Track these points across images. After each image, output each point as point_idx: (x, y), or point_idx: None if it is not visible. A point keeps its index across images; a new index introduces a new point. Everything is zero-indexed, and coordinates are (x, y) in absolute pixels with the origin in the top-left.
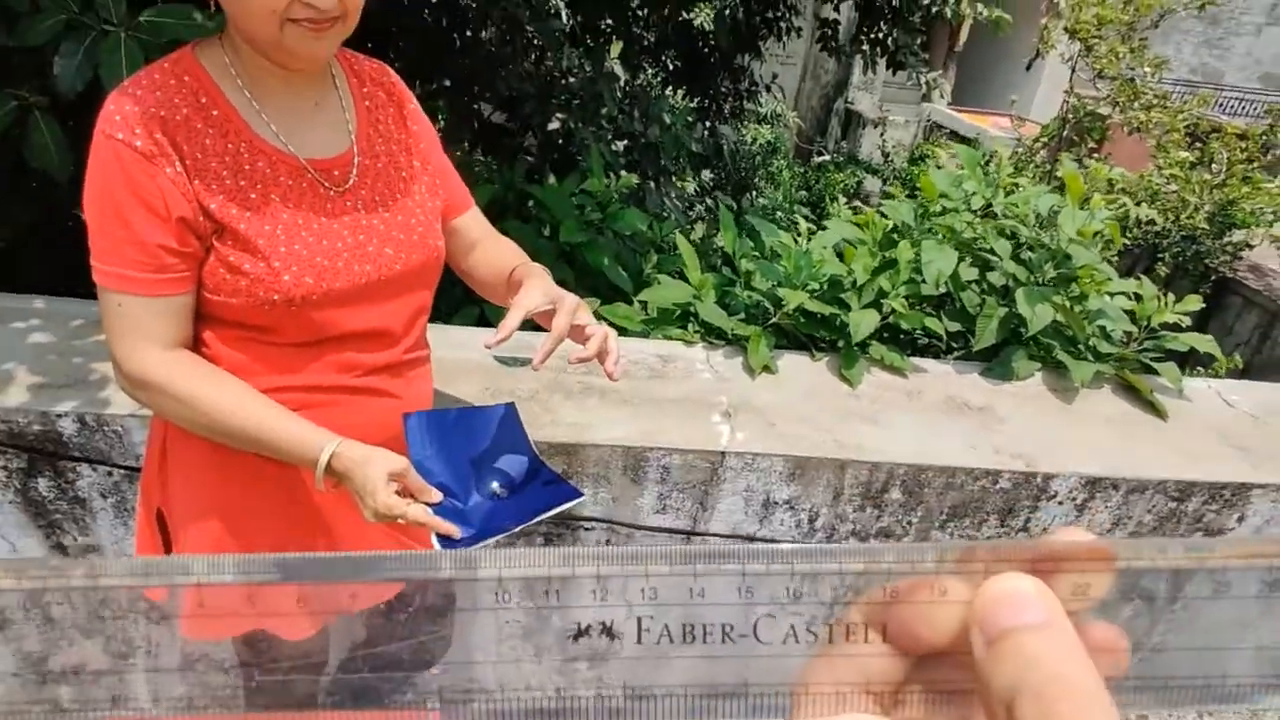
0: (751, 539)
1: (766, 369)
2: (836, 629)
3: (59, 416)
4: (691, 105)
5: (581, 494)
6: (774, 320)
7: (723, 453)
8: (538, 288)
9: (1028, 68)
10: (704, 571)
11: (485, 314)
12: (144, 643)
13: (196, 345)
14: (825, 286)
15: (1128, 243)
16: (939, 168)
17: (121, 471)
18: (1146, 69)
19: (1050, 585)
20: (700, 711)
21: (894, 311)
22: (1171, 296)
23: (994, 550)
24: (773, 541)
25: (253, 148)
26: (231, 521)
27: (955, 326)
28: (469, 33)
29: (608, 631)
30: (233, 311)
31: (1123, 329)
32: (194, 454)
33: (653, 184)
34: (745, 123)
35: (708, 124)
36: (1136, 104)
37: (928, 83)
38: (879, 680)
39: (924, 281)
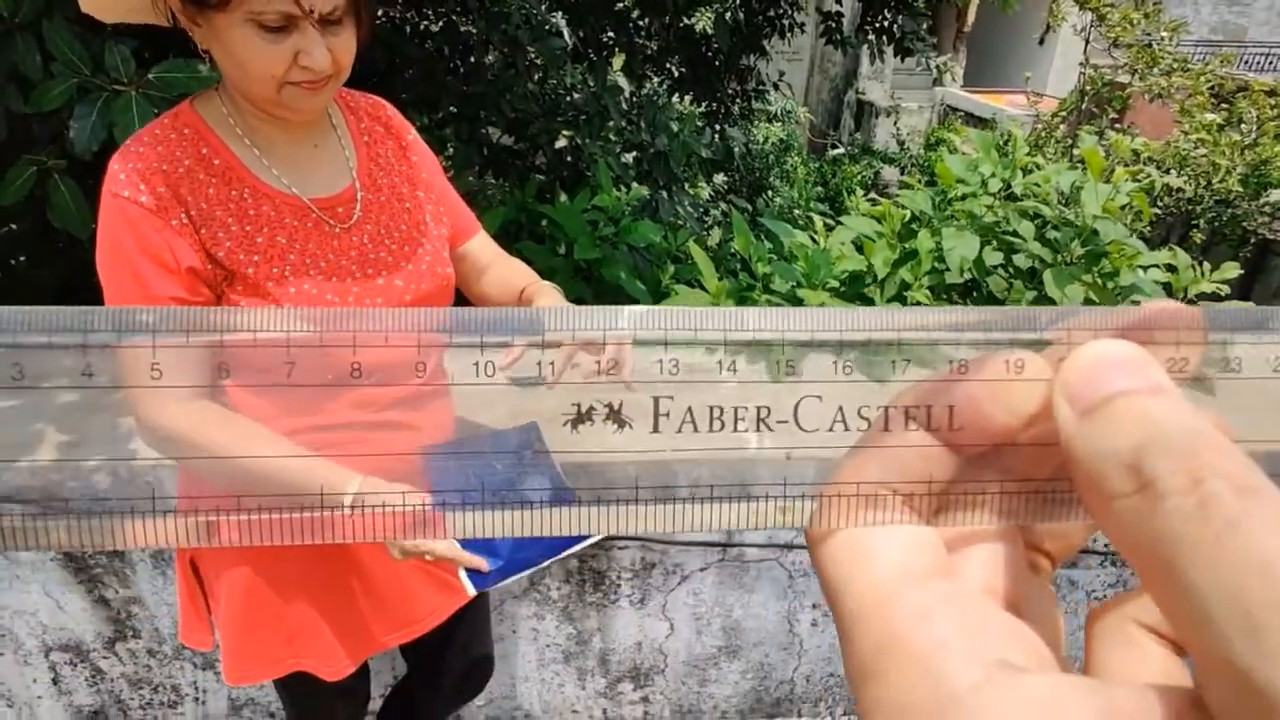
0: (789, 547)
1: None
2: (893, 414)
3: (93, 471)
4: (699, 110)
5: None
6: None
7: (752, 460)
8: (547, 305)
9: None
10: (735, 343)
11: None
12: (191, 690)
13: (216, 394)
14: (846, 283)
15: (1159, 212)
16: (953, 153)
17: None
18: (1163, 33)
19: None
20: (726, 517)
21: (918, 303)
22: (1208, 266)
23: (1079, 317)
24: (803, 547)
25: (256, 193)
26: (262, 567)
27: None
28: (471, 59)
29: (614, 416)
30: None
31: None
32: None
33: (665, 193)
34: (755, 123)
35: (717, 128)
36: (1156, 70)
37: (938, 67)
38: (923, 480)
39: (947, 270)
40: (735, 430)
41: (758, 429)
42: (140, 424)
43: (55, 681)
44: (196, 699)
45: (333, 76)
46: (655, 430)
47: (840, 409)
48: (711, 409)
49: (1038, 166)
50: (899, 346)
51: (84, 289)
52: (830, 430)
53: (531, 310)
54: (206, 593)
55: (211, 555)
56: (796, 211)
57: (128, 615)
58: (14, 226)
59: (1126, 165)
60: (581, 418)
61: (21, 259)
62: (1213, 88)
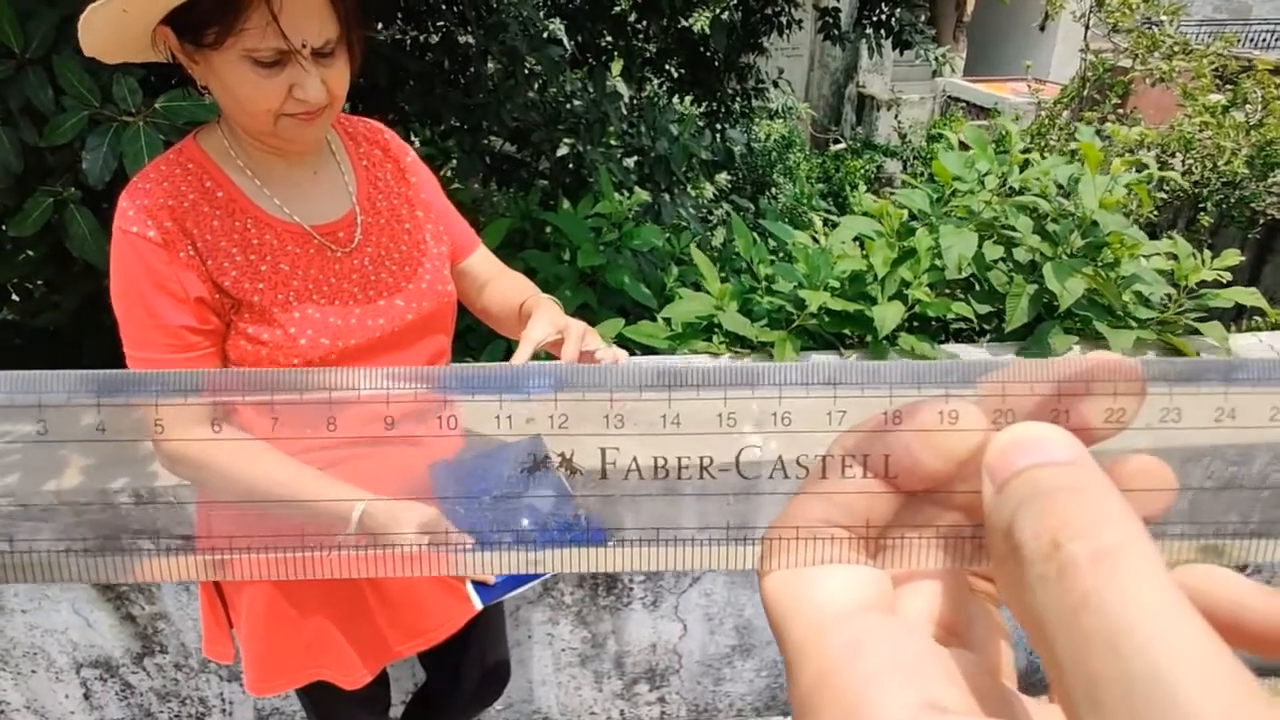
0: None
1: None
2: (830, 461)
3: (116, 493)
4: (699, 111)
5: (608, 540)
6: (798, 323)
7: (757, 462)
8: (544, 318)
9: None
10: (680, 397)
11: (512, 347)
12: (218, 701)
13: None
14: (846, 283)
15: (1165, 197)
16: (950, 149)
17: (178, 541)
18: (1163, 17)
19: (1080, 408)
20: (671, 559)
21: (919, 301)
22: (1209, 253)
23: (1016, 368)
24: None
25: (259, 222)
26: (281, 585)
27: (985, 308)
28: (471, 70)
29: (566, 464)
30: None
31: (1161, 292)
32: None
33: (667, 196)
34: (757, 120)
35: (717, 128)
36: (1156, 54)
37: (937, 59)
38: (864, 521)
39: (946, 267)
40: (679, 478)
41: (700, 476)
42: (155, 448)
43: (86, 697)
44: (224, 710)
45: (327, 107)
46: (603, 477)
47: (780, 459)
48: (655, 459)
49: (1031, 163)
50: (834, 399)
51: (101, 309)
52: (769, 479)
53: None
54: (228, 607)
55: None
56: (801, 208)
57: (154, 631)
58: (31, 253)
59: (1123, 156)
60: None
61: (39, 284)
62: (1216, 69)
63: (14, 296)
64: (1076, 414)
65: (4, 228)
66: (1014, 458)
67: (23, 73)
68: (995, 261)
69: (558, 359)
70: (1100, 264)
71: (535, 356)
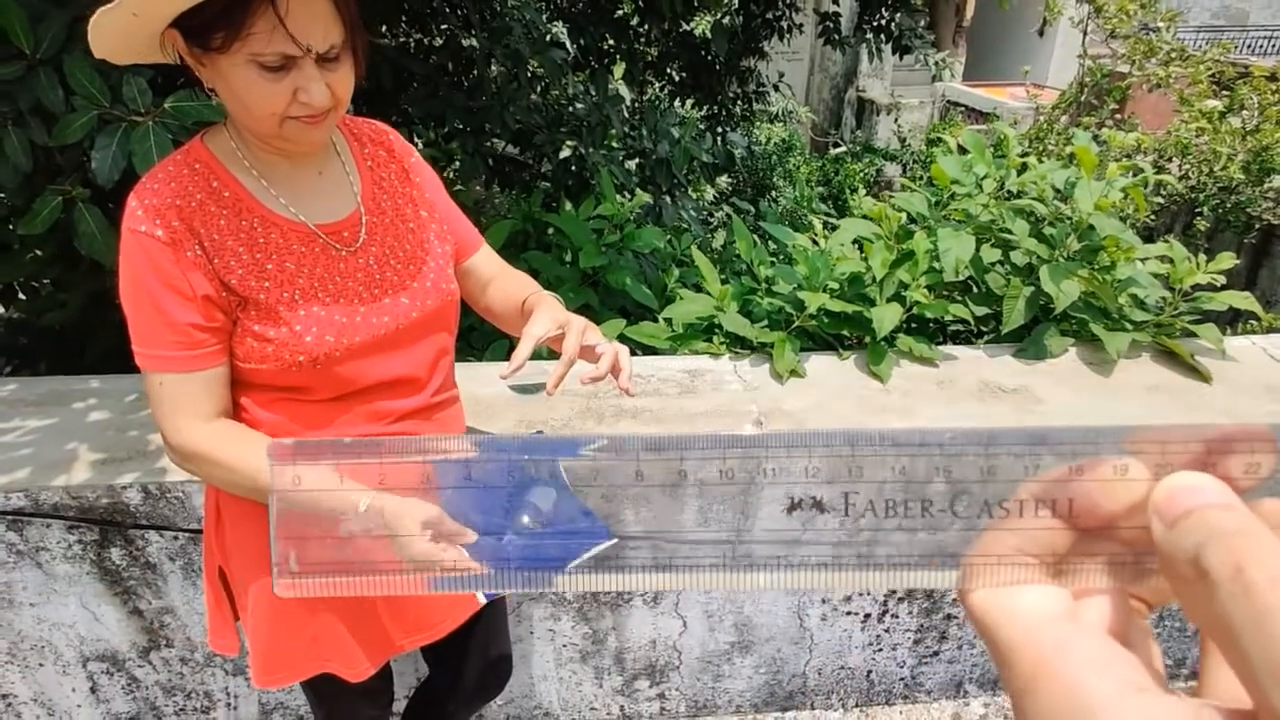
0: (797, 542)
1: (794, 373)
2: (1026, 504)
3: (124, 488)
4: (700, 114)
5: (611, 538)
6: (797, 324)
7: (757, 460)
8: (545, 315)
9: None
10: (908, 453)
11: (514, 346)
12: (223, 695)
13: (235, 411)
14: (845, 285)
15: (1161, 201)
16: (949, 154)
17: (186, 535)
18: (1161, 23)
19: (1224, 463)
20: (899, 581)
21: (917, 302)
22: (1203, 257)
23: (1172, 432)
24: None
25: (265, 222)
26: None
27: (983, 310)
28: (474, 73)
29: (817, 505)
30: (264, 375)
31: (1157, 295)
32: (245, 515)
33: (668, 198)
34: (757, 124)
35: (718, 131)
36: (1153, 60)
37: (937, 63)
38: (1049, 551)
39: (944, 270)
40: (906, 515)
41: (922, 515)
42: (166, 444)
43: (93, 690)
44: (228, 704)
45: (332, 110)
46: (845, 514)
47: (985, 502)
48: (888, 501)
49: (1029, 167)
50: (1031, 455)
51: (106, 308)
52: (977, 517)
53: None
54: (234, 601)
55: (239, 565)
56: (801, 211)
57: (161, 625)
58: (38, 252)
59: (1119, 160)
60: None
61: (46, 283)
62: (1213, 75)
63: (20, 295)
64: (1222, 467)
65: (12, 227)
66: (1181, 500)
67: (33, 73)
68: (993, 264)
69: (559, 354)
70: (1096, 267)
71: (537, 353)
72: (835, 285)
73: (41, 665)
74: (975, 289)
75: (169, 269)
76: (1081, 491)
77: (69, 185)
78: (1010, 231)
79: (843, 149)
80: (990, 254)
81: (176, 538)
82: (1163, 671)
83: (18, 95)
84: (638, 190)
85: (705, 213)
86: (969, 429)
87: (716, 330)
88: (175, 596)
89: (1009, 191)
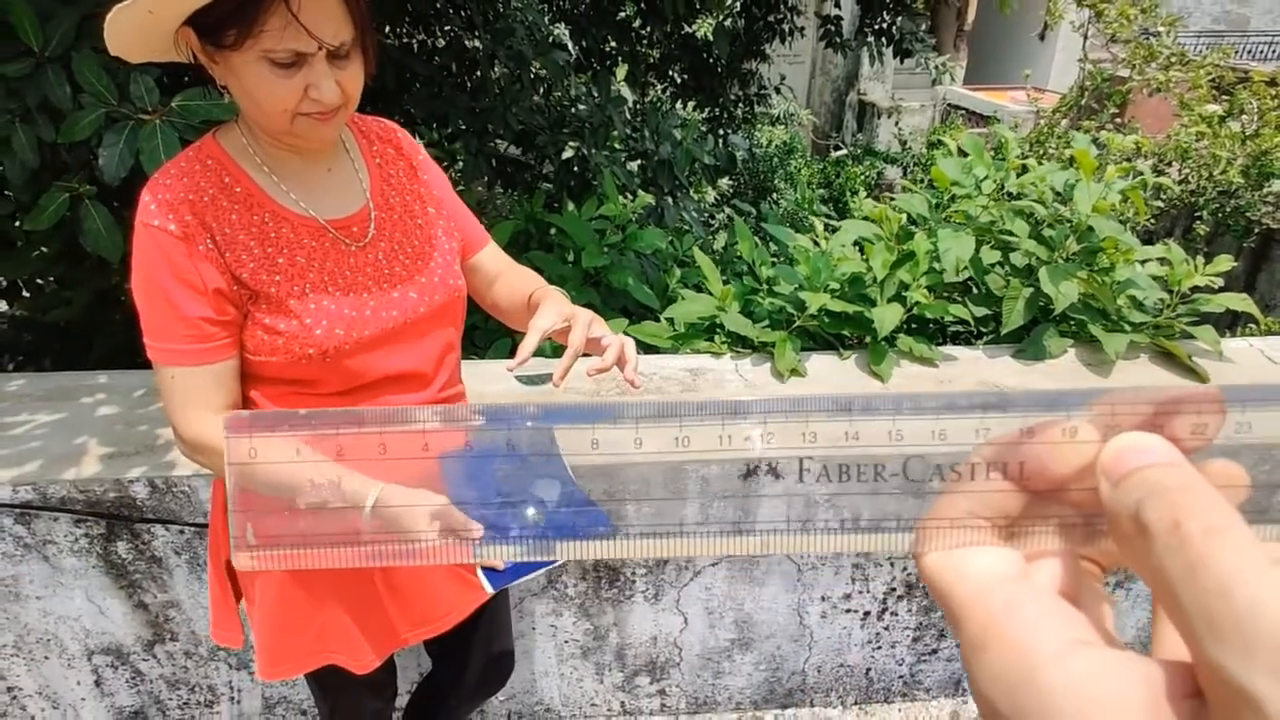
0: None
1: (795, 372)
2: (978, 467)
3: (131, 482)
4: (702, 116)
5: (610, 524)
6: (798, 323)
7: (758, 458)
8: (552, 308)
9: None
10: (860, 418)
11: (517, 343)
12: (226, 689)
13: (245, 404)
14: (846, 285)
15: (1161, 205)
16: (949, 156)
17: (192, 529)
18: (1161, 28)
19: (1171, 424)
20: (853, 544)
21: (917, 303)
22: (1201, 259)
23: (1120, 394)
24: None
25: (276, 217)
26: (293, 572)
27: (982, 311)
28: (478, 74)
29: (773, 470)
30: (274, 369)
31: (1155, 297)
32: None
33: (670, 199)
34: (758, 126)
35: (720, 133)
36: (1153, 65)
37: (938, 67)
38: (1001, 514)
39: (944, 270)
40: (858, 480)
41: (874, 479)
42: (176, 436)
43: (98, 683)
44: (232, 698)
45: (342, 107)
46: (799, 480)
47: (938, 466)
48: (841, 466)
49: (1029, 168)
50: (982, 419)
51: (111, 306)
52: (929, 481)
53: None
54: (241, 593)
55: None
56: (802, 213)
57: (165, 619)
58: (45, 249)
59: (1118, 163)
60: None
61: (51, 280)
62: (1213, 80)
63: (25, 292)
64: (1170, 428)
65: (18, 223)
66: (1127, 460)
67: (41, 70)
68: (992, 265)
69: (564, 347)
70: (1095, 269)
71: (541, 348)
72: (836, 286)
73: (47, 658)
74: (975, 290)
75: (181, 263)
76: (1032, 454)
77: (76, 182)
78: (1010, 233)
79: (844, 152)
80: (990, 255)
81: (183, 532)
82: (1114, 633)
83: (26, 92)
84: (640, 191)
85: (706, 214)
86: (921, 393)
87: (718, 330)
88: (180, 590)
89: (1009, 193)
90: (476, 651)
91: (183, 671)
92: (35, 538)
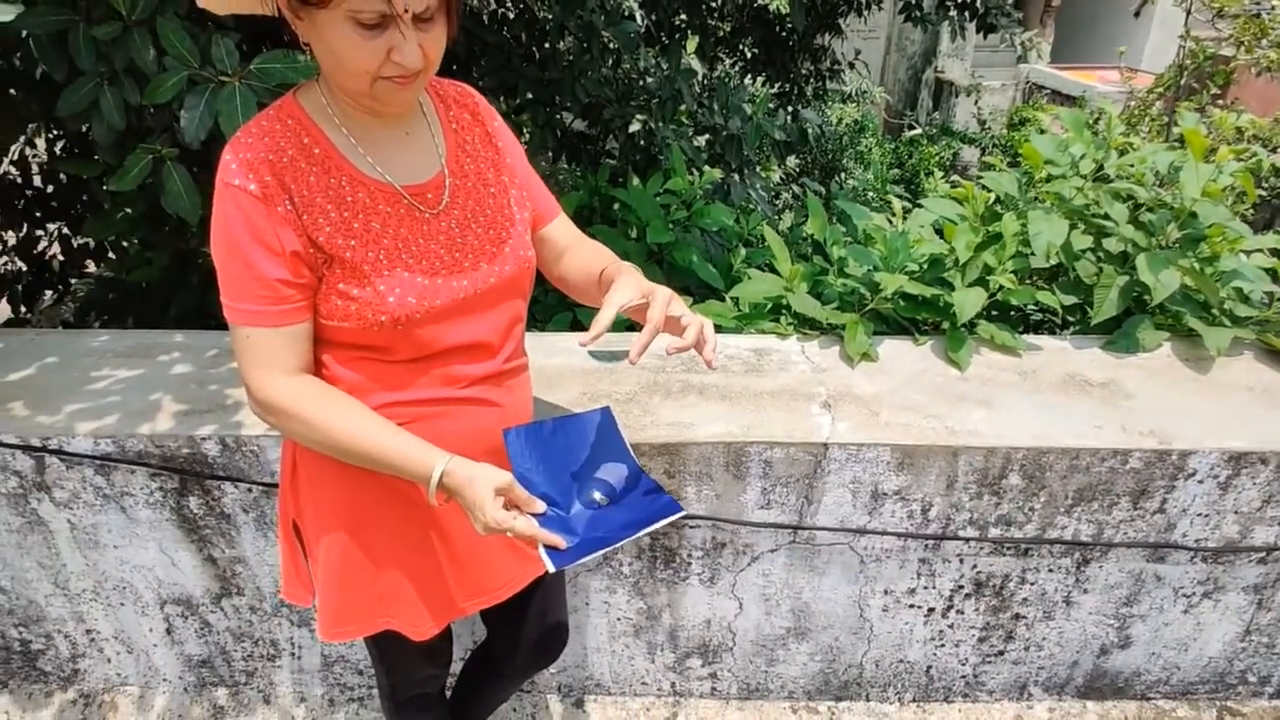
0: (862, 531)
1: (866, 356)
2: None
3: (203, 440)
4: (772, 92)
5: (681, 508)
6: (871, 306)
7: (825, 444)
8: (629, 284)
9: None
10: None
11: (578, 318)
12: (288, 645)
13: (317, 367)
14: (925, 267)
15: (1264, 194)
16: (1041, 132)
17: (260, 488)
18: (1274, 2)
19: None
20: None
21: (1002, 288)
22: None
23: None
24: (884, 533)
25: (353, 180)
26: (357, 531)
27: (1071, 300)
28: (546, 44)
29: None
30: (346, 334)
31: (1262, 289)
32: (321, 470)
33: (737, 176)
34: (830, 103)
35: (790, 109)
36: (1264, 42)
37: (1023, 43)
38: None
39: (1033, 255)
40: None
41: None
42: (249, 396)
43: (169, 632)
44: (293, 654)
45: (423, 71)
46: None
47: None
48: None
49: (1133, 147)
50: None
51: (190, 268)
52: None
53: None
54: (307, 551)
55: (313, 518)
56: (871, 194)
57: (233, 574)
58: (129, 211)
59: (1230, 144)
60: None
61: (134, 241)
62: None
63: (110, 254)
64: None
65: (105, 185)
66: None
67: (128, 34)
68: (1083, 251)
69: (638, 324)
70: (1197, 257)
71: (619, 327)
72: (914, 267)
73: (123, 605)
74: (1064, 277)
75: (260, 223)
76: None
77: (158, 145)
78: (1107, 217)
79: (918, 131)
80: (1081, 240)
81: (250, 490)
82: None
83: (114, 55)
84: (706, 167)
85: (773, 193)
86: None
87: (784, 311)
88: (247, 547)
89: (1105, 175)
90: (532, 622)
91: (247, 625)
92: (114, 489)
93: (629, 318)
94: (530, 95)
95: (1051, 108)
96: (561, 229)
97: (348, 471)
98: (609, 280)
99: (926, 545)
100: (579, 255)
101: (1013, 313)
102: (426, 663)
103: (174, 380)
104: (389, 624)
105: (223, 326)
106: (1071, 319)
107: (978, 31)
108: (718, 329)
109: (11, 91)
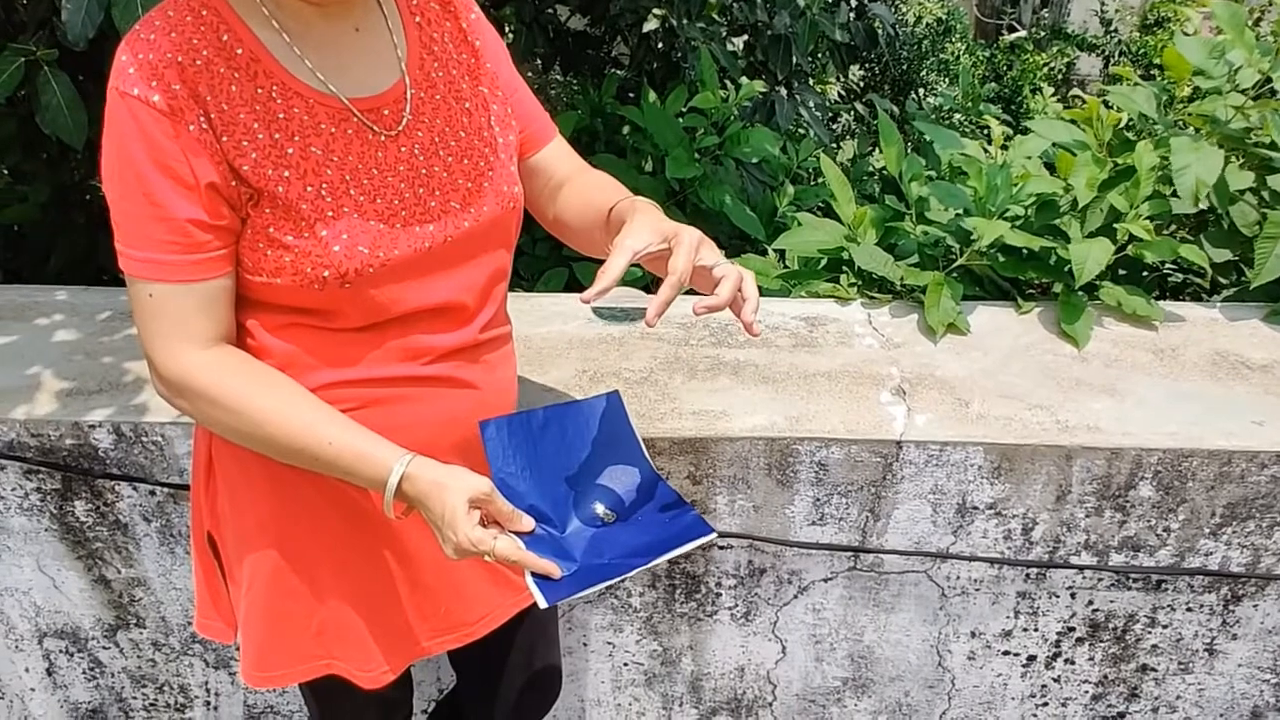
0: (944, 556)
1: (953, 328)
2: None
3: (93, 428)
4: None
5: (711, 529)
6: (960, 262)
7: (898, 442)
8: (646, 224)
9: None
10: None
11: (576, 275)
12: (201, 691)
13: (240, 336)
14: (1033, 211)
15: None
16: (1186, 34)
17: (165, 490)
18: None
19: None
20: None
21: (1133, 239)
22: None
23: None
24: (972, 559)
25: (286, 90)
26: (290, 548)
27: (1224, 255)
28: None
29: None
30: (278, 294)
31: None
32: (244, 470)
33: (784, 91)
34: None
35: (854, 3)
36: None
37: None
38: None
39: (1175, 195)
40: None
41: None
42: (153, 372)
43: (50, 673)
44: (208, 703)
45: None
46: None
47: None
48: None
49: None
50: None
51: (74, 207)
52: None
53: None
54: (226, 574)
55: (234, 531)
56: (960, 116)
57: (131, 600)
58: None
59: None
60: None
61: (4, 173)
62: None
63: None
64: None
65: None
66: None
67: None
68: (1242, 192)
69: (661, 279)
70: None
71: (628, 277)
72: (1017, 211)
73: None
74: (1214, 226)
75: (166, 146)
76: None
77: (32, 45)
78: (1275, 146)
79: (1021, 34)
80: (1240, 178)
81: (154, 493)
82: None
83: None
84: (745, 79)
85: (831, 114)
86: None
87: (845, 268)
88: (150, 566)
89: (1274, 90)
90: (514, 668)
91: (150, 665)
92: None
93: (645, 269)
94: None
95: (1202, 0)
96: (558, 156)
97: (279, 471)
98: (620, 219)
99: (1028, 575)
100: (581, 190)
101: (1147, 272)
102: (378, 717)
103: (55, 350)
104: (330, 667)
105: (118, 282)
106: (1224, 280)
107: None
108: (759, 291)
109: None
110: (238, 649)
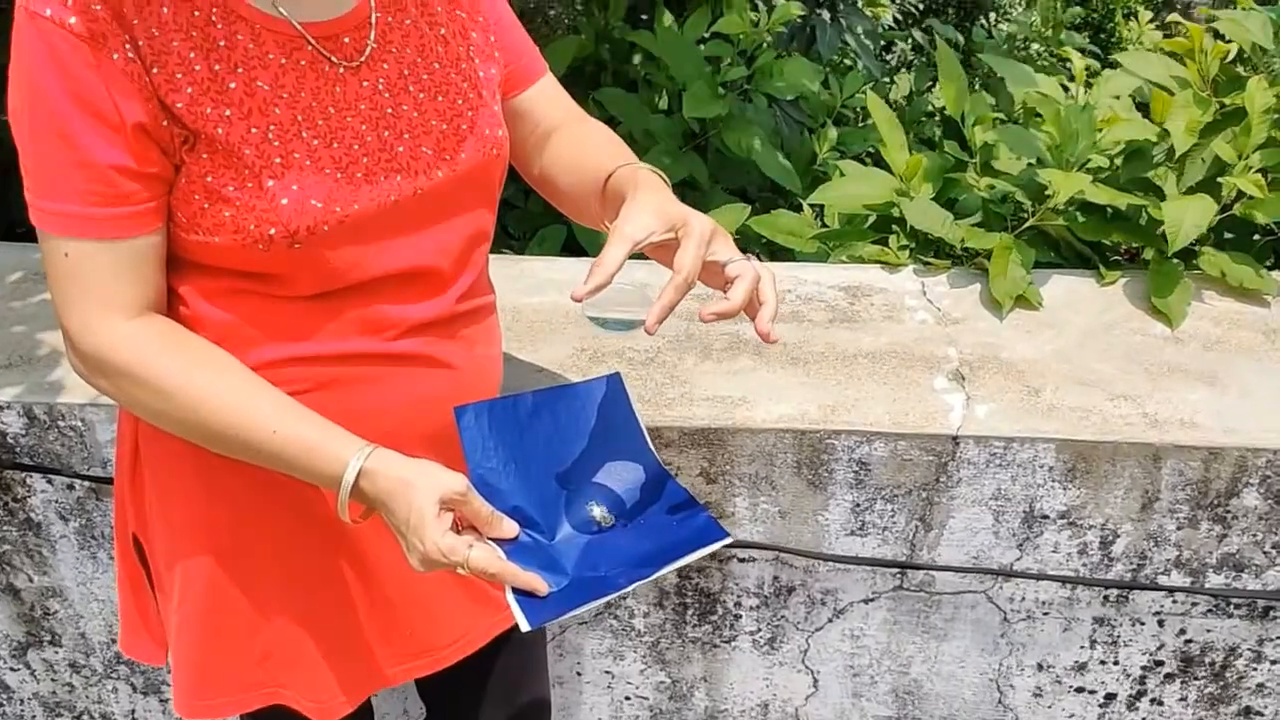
0: (1008, 574)
1: (1022, 301)
2: None
3: (0, 409)
4: None
5: (726, 534)
6: (1032, 222)
7: (954, 438)
8: (648, 207)
9: None
10: None
11: (575, 235)
12: (126, 719)
13: (171, 304)
14: (1120, 162)
15: None
16: None
17: (86, 485)
18: None
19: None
20: None
21: (1240, 196)
22: None
23: None
24: (1041, 577)
25: (228, 14)
26: (230, 556)
27: None
28: None
29: None
30: (216, 255)
31: None
32: (176, 461)
33: (826, 14)
34: None
35: None
36: None
37: None
38: None
39: None
40: None
41: None
42: (69, 345)
43: None
44: None
45: None
46: None
47: None
48: None
49: None
50: None
51: None
52: None
53: None
54: (155, 585)
55: (164, 533)
56: (1035, 46)
57: (45, 613)
58: None
59: None
60: None
61: None
62: None
63: None
64: None
65: None
66: None
67: None
68: None
69: (669, 268)
70: None
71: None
72: (1102, 162)
73: None
74: None
75: (85, 78)
76: None
77: None
78: None
79: None
80: None
81: (72, 487)
82: None
83: None
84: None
85: (882, 42)
86: None
87: (895, 228)
88: (67, 573)
89: None
90: (494, 700)
91: (66, 691)
92: None
93: (648, 257)
94: None
95: None
96: (548, 98)
97: (215, 464)
98: (618, 193)
99: (1108, 597)
100: (573, 144)
101: (1258, 236)
102: None
103: None
104: (277, 696)
105: (29, 237)
106: None
107: None
108: (791, 255)
109: None
110: (169, 672)
